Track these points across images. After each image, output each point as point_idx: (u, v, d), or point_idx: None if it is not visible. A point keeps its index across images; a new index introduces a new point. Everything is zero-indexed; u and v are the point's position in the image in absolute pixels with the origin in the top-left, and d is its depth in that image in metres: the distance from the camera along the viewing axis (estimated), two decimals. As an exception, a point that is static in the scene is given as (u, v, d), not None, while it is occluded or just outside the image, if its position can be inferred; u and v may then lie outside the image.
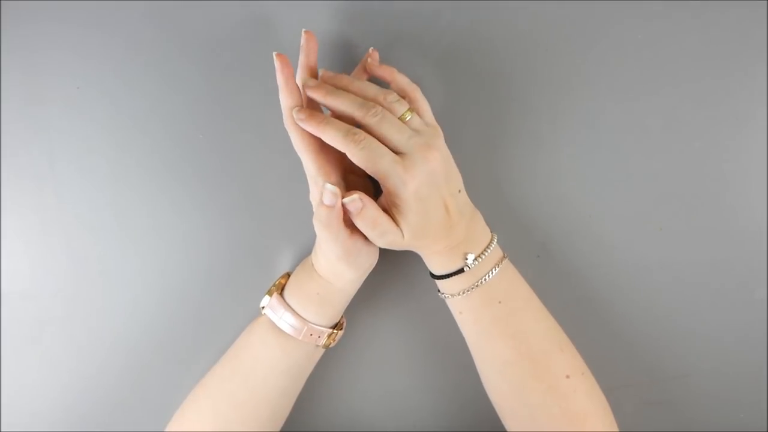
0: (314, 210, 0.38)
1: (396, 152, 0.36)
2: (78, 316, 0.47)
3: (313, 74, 0.40)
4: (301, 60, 0.39)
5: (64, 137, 0.45)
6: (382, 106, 0.37)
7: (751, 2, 0.45)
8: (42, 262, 0.46)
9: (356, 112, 0.37)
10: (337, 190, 0.35)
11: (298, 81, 0.39)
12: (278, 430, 0.44)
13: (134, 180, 0.46)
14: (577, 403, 0.39)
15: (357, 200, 0.36)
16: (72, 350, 0.47)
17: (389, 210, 0.38)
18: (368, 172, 0.36)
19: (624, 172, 0.46)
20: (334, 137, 0.36)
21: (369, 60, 0.41)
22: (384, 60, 0.45)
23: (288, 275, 0.44)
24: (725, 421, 0.48)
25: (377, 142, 0.36)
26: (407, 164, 0.36)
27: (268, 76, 0.45)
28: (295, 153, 0.38)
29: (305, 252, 0.46)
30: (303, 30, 0.39)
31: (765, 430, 0.48)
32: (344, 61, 0.45)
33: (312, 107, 0.39)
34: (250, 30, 0.45)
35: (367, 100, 0.37)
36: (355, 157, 0.36)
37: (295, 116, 0.37)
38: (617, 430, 0.41)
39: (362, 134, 0.36)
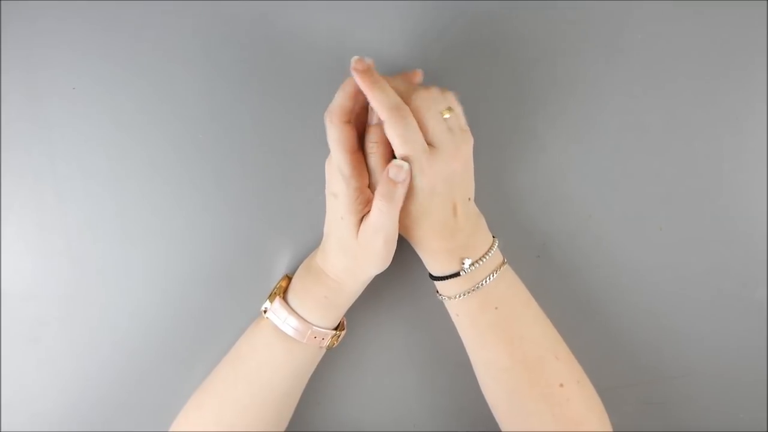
0: (347, 201, 0.37)
1: (427, 142, 0.37)
2: (78, 316, 0.46)
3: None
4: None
5: (65, 137, 0.45)
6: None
7: (751, 2, 0.45)
8: (42, 262, 0.46)
9: (400, 95, 0.36)
10: (408, 166, 0.36)
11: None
12: (283, 430, 0.44)
13: (134, 180, 0.46)
14: (570, 411, 0.39)
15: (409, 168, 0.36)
16: (72, 350, 0.47)
17: None
18: (395, 147, 0.36)
19: (624, 172, 0.46)
20: (381, 102, 0.35)
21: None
22: (384, 61, 0.45)
23: (288, 278, 0.44)
24: (725, 421, 0.48)
25: (417, 125, 0.36)
26: (433, 158, 0.36)
27: (268, 76, 0.46)
28: (295, 153, 0.38)
29: (305, 252, 0.46)
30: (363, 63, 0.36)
31: (765, 430, 0.48)
32: (343, 60, 0.45)
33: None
34: (250, 30, 0.45)
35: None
36: (393, 131, 0.35)
37: (353, 64, 0.35)
38: None
39: (409, 112, 0.36)
